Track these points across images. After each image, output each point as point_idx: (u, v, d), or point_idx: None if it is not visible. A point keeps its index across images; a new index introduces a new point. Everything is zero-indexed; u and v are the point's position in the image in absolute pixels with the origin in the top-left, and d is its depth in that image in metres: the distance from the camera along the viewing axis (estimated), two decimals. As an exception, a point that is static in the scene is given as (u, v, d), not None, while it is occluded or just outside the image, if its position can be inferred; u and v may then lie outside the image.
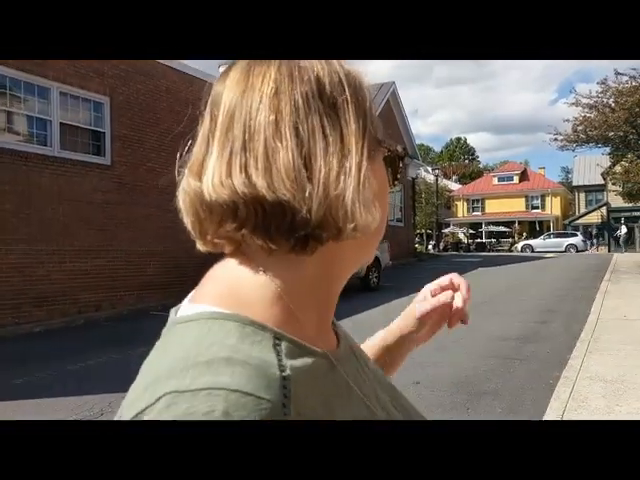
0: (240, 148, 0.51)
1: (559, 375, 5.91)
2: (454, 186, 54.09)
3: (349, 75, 0.55)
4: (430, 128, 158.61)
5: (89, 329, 9.70)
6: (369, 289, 13.36)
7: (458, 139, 79.70)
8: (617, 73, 19.96)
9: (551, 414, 4.75)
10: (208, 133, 0.54)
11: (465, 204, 49.99)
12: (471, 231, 44.50)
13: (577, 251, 32.88)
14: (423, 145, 75.09)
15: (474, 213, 49.30)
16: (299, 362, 0.50)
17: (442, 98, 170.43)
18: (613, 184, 24.36)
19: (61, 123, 10.59)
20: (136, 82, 11.92)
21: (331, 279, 0.58)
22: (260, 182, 0.50)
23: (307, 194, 0.50)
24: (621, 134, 20.66)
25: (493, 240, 41.76)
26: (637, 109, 19.19)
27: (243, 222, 0.51)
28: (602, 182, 36.04)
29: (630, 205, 28.18)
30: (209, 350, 0.47)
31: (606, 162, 26.27)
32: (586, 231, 38.91)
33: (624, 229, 33.95)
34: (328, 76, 0.53)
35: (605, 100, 20.31)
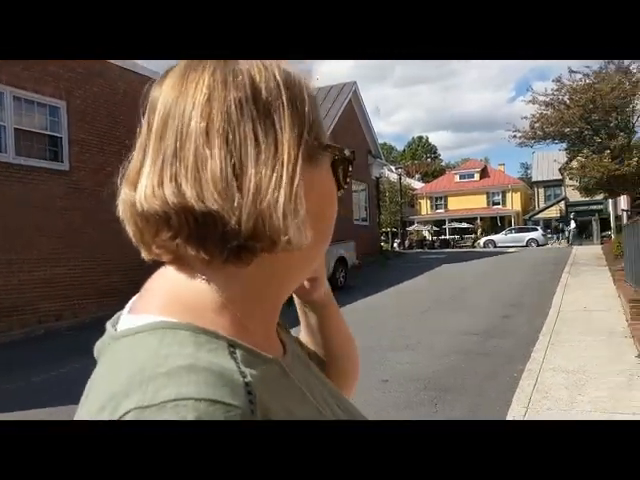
0: (171, 157, 0.50)
1: (523, 368, 6.04)
2: (417, 184, 54.69)
3: (289, 79, 0.54)
4: (392, 127, 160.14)
5: (50, 339, 9.46)
6: (336, 288, 13.34)
7: (420, 138, 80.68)
8: (571, 71, 20.52)
9: (516, 406, 4.85)
10: (145, 141, 0.53)
11: (428, 202, 50.62)
12: (435, 228, 45.11)
13: (538, 245, 33.64)
14: (386, 144, 75.72)
15: (437, 210, 49.96)
16: (256, 369, 0.49)
17: (403, 97, 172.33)
18: (570, 179, 24.98)
19: (15, 128, 10.30)
20: (93, 85, 11.67)
21: (276, 288, 0.57)
22: (189, 192, 0.48)
23: (236, 204, 0.48)
24: (576, 130, 21.23)
25: (456, 237, 42.42)
26: (591, 106, 19.75)
27: (177, 232, 0.50)
28: (560, 177, 36.99)
29: (587, 199, 28.96)
30: (167, 360, 0.45)
31: (563, 158, 26.95)
32: (547, 225, 39.92)
33: (572, 224, 35.11)
34: (265, 81, 0.52)
35: (560, 97, 20.84)
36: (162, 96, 0.52)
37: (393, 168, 39.13)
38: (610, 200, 25.49)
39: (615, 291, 10.65)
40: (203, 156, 0.49)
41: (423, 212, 50.42)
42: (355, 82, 23.44)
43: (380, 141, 32.61)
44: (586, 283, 12.65)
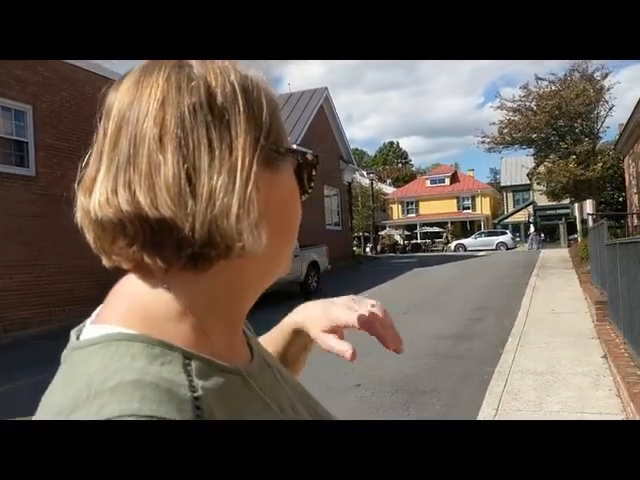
0: (125, 163, 0.49)
1: (493, 370, 6.12)
2: (389, 189, 55.10)
3: (246, 83, 0.53)
4: (364, 133, 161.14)
5: (17, 348, 9.23)
6: (309, 293, 13.37)
7: (391, 143, 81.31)
8: (537, 78, 20.99)
9: (486, 408, 4.91)
10: (100, 147, 0.52)
11: (400, 206, 51.03)
12: (407, 232, 45.47)
13: (507, 249, 34.17)
14: (358, 149, 76.12)
15: (409, 215, 50.41)
16: (211, 381, 0.49)
17: (374, 103, 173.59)
18: (538, 184, 25.46)
19: (-21, 133, 10.07)
20: (60, 89, 11.47)
21: (239, 294, 0.56)
22: (143, 199, 0.48)
23: (189, 211, 0.47)
24: (543, 136, 21.70)
25: (428, 241, 42.81)
26: (557, 112, 20.21)
27: (132, 240, 0.49)
28: (528, 182, 37.66)
29: (554, 203, 29.57)
30: (115, 375, 0.44)
31: (531, 163, 27.46)
32: (516, 229, 40.69)
33: (532, 228, 36.34)
34: (220, 86, 0.51)
35: (528, 104, 21.28)
36: (117, 101, 0.52)
37: (365, 173, 39.42)
38: (576, 204, 26.04)
39: (582, 293, 10.88)
40: (156, 162, 0.48)
41: (395, 217, 50.82)
42: (326, 88, 23.53)
43: (352, 146, 32.78)
44: (554, 285, 12.90)
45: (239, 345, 0.60)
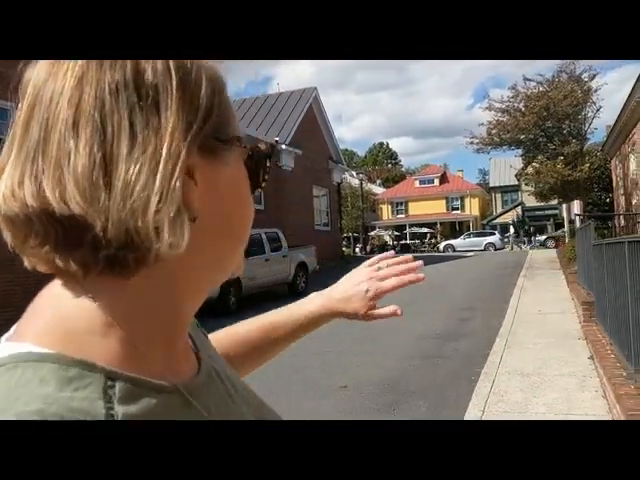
0: (34, 151, 0.42)
1: (480, 371, 6.10)
2: (378, 190, 55.17)
3: (184, 61, 0.46)
4: (354, 133, 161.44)
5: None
6: (297, 294, 13.33)
7: (381, 144, 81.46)
8: (525, 79, 21.10)
9: (473, 410, 4.88)
10: (14, 131, 0.45)
11: (389, 207, 51.14)
12: (396, 233, 45.53)
13: (496, 249, 34.33)
14: (347, 150, 76.14)
15: (398, 215, 50.52)
16: (138, 405, 0.43)
17: (364, 104, 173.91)
18: (526, 185, 25.66)
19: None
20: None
21: (178, 301, 0.50)
22: (50, 193, 0.41)
23: (101, 206, 0.41)
24: (531, 137, 21.82)
25: (417, 241, 42.91)
26: (545, 113, 20.34)
27: (44, 239, 0.43)
28: (516, 183, 37.90)
29: (542, 204, 29.75)
30: (15, 405, 0.38)
31: (519, 164, 27.64)
32: (505, 230, 41.03)
33: (512, 229, 36.85)
34: (151, 62, 0.44)
35: (516, 105, 21.39)
36: (33, 77, 0.45)
37: (354, 173, 39.40)
38: (564, 205, 26.21)
39: (569, 294, 10.91)
40: (67, 150, 0.41)
41: (384, 217, 50.92)
42: (315, 88, 23.49)
43: (342, 147, 32.80)
44: (541, 286, 12.94)
45: (181, 357, 0.53)
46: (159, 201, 0.41)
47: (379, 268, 0.90)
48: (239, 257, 0.55)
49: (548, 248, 29.72)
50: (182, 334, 0.53)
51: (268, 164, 0.55)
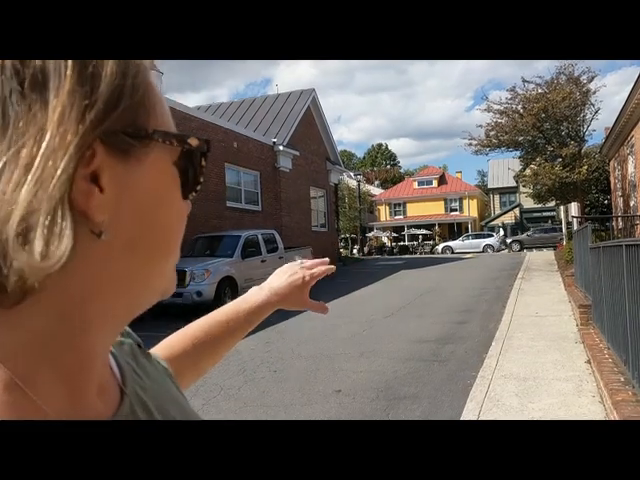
0: None
1: (476, 375, 6.03)
2: (376, 191, 55.10)
3: None
4: (354, 135, 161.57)
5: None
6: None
7: (380, 145, 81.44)
8: (524, 81, 21.03)
9: (467, 415, 4.81)
10: None
11: (387, 208, 51.05)
12: (394, 234, 45.47)
13: (494, 251, 34.30)
14: (346, 151, 76.17)
15: (396, 217, 50.44)
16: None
17: (365, 105, 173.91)
18: (524, 186, 25.54)
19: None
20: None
21: (86, 331, 0.41)
22: None
23: None
24: (530, 139, 21.75)
25: (415, 243, 42.86)
26: (543, 115, 20.27)
27: None
28: (514, 184, 37.91)
29: (540, 206, 29.69)
30: None
31: (517, 165, 27.52)
32: (503, 230, 41.16)
33: (501, 232, 37.55)
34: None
35: (514, 106, 21.33)
36: None
37: (352, 174, 39.34)
38: (562, 207, 26.16)
39: (566, 296, 10.84)
40: None
41: (382, 218, 50.84)
42: (314, 89, 23.43)
43: (342, 148, 32.75)
44: (538, 288, 12.87)
45: (92, 397, 0.44)
46: (28, 209, 0.33)
47: (302, 263, 1.04)
48: (168, 274, 0.46)
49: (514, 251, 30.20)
50: (95, 366, 0.44)
51: (203, 163, 0.46)
